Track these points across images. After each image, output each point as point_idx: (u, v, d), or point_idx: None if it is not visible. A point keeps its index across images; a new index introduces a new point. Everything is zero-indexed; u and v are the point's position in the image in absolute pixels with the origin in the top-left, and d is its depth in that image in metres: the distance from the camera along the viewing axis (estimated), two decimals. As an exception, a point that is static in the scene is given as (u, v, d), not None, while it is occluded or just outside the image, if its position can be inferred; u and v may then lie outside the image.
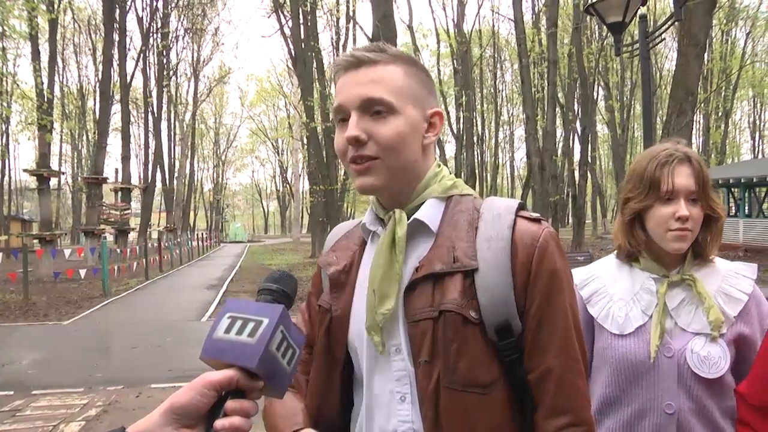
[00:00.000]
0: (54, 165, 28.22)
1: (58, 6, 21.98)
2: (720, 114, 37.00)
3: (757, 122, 45.15)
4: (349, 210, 33.57)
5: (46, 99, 19.12)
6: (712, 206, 1.41)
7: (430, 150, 1.10)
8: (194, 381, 0.72)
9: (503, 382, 0.97)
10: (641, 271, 1.46)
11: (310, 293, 1.23)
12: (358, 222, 1.21)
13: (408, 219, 1.05)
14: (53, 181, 23.07)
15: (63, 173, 37.61)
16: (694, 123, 21.31)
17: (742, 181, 19.55)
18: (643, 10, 6.99)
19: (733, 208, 21.74)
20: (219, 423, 0.69)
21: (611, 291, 1.47)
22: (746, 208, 21.18)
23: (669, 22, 7.77)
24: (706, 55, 20.71)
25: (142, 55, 30.63)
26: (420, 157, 1.07)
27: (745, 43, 36.58)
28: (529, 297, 0.98)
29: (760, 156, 42.50)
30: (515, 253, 0.99)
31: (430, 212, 1.06)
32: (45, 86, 19.45)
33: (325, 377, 1.10)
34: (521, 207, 1.05)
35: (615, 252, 1.55)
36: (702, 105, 29.53)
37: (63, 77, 36.88)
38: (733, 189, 21.57)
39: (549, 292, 0.99)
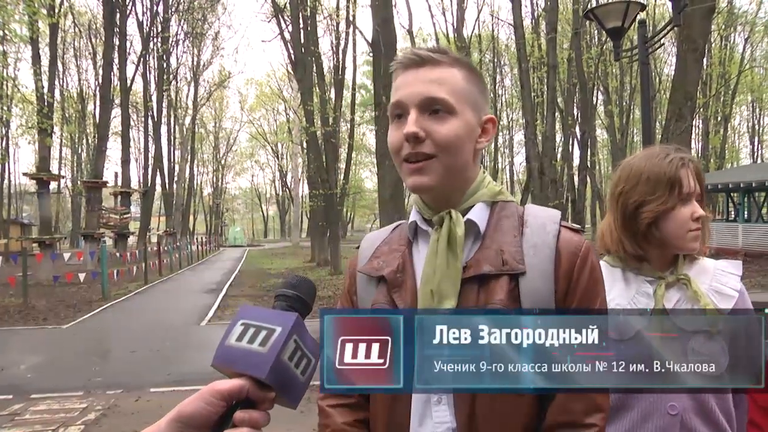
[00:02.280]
0: (54, 169, 28.22)
1: (59, 10, 21.98)
2: (719, 119, 36.96)
3: (756, 127, 45.11)
4: (348, 215, 33.50)
5: (46, 103, 19.11)
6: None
7: (479, 155, 1.13)
8: (203, 389, 0.70)
9: None
10: (635, 275, 1.48)
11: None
12: (389, 229, 1.21)
13: None
14: (53, 185, 22.97)
15: (63, 177, 37.51)
16: (693, 128, 21.34)
17: (742, 185, 19.58)
18: (642, 15, 7.03)
19: (733, 212, 21.73)
20: None
21: (608, 296, 1.47)
22: (745, 212, 21.19)
23: (668, 28, 7.80)
24: (705, 60, 20.77)
25: (142, 59, 30.65)
26: (471, 161, 1.09)
27: (744, 48, 36.62)
28: (567, 303, 1.02)
29: (759, 161, 42.47)
30: (559, 262, 1.03)
31: (479, 215, 1.09)
32: (45, 90, 19.44)
33: None
34: (562, 217, 1.10)
35: (603, 256, 1.54)
36: (701, 110, 29.56)
37: (63, 81, 36.85)
38: (732, 194, 21.57)
39: (587, 299, 1.03)
